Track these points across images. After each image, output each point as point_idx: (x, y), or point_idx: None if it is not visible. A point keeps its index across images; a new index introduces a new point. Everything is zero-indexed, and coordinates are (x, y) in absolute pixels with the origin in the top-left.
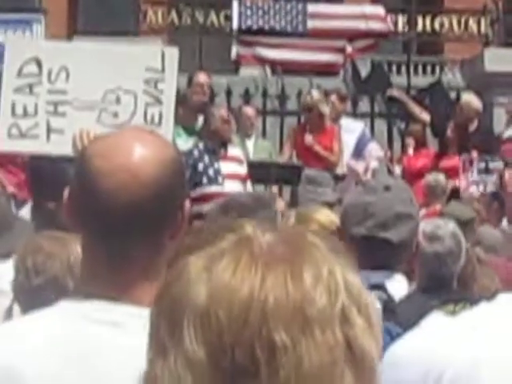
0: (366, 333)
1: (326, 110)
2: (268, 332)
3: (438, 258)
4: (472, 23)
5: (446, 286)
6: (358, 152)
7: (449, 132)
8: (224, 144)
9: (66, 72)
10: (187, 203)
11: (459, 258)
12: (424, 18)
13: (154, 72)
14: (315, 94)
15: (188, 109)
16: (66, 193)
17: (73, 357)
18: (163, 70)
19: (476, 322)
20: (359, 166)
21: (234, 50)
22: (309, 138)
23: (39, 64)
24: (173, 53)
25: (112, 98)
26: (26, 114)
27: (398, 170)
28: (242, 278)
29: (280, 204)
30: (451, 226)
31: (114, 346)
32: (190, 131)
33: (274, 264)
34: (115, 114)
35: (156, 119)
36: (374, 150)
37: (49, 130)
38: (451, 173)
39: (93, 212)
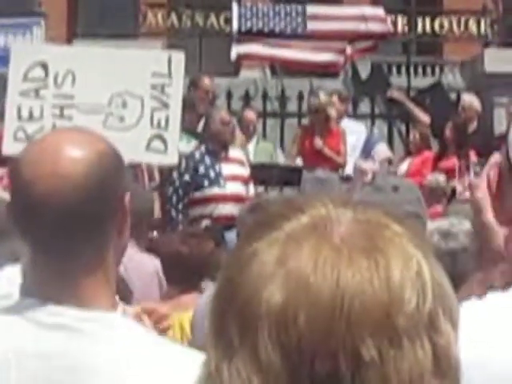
0: (452, 340)
1: (332, 112)
2: (353, 342)
3: (453, 256)
4: (472, 24)
5: (459, 284)
6: (367, 153)
7: (447, 132)
8: (225, 146)
9: (73, 76)
10: (127, 196)
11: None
12: (424, 18)
13: (161, 77)
14: (322, 96)
15: (192, 114)
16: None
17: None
18: (170, 74)
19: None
20: (367, 166)
21: (234, 50)
22: (319, 142)
23: (45, 68)
24: (179, 57)
25: (118, 102)
26: (31, 117)
27: (401, 170)
28: (324, 276)
29: None
30: (466, 224)
31: (66, 351)
32: (191, 134)
33: (358, 258)
34: (121, 118)
35: (163, 123)
36: (382, 151)
37: None
38: (450, 173)
39: (29, 219)
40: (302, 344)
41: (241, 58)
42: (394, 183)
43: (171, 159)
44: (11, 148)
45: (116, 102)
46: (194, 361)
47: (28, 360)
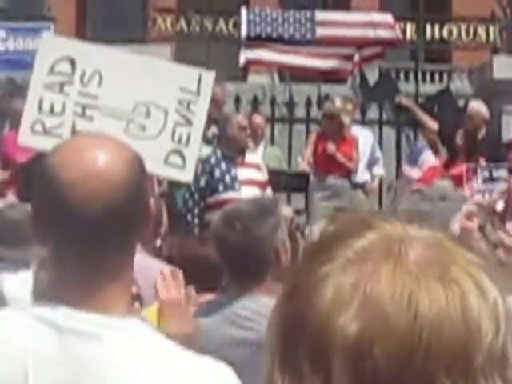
0: None
1: (347, 119)
2: (429, 376)
3: None
4: (480, 31)
5: None
6: (413, 160)
7: (458, 139)
8: (242, 151)
9: (100, 77)
10: (152, 202)
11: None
12: (432, 25)
13: (189, 93)
14: (338, 102)
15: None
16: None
17: (44, 366)
18: (198, 92)
19: None
20: (415, 174)
21: (243, 55)
22: (332, 148)
23: (73, 64)
24: (209, 77)
25: (142, 111)
26: (52, 111)
27: (415, 173)
28: (401, 305)
29: (287, 211)
30: (438, 234)
31: (95, 360)
32: (203, 141)
33: (435, 288)
34: (143, 127)
35: (184, 139)
36: (429, 158)
37: (74, 132)
38: (458, 181)
39: (64, 222)
40: (376, 376)
41: (249, 63)
42: (442, 192)
43: (188, 176)
44: (28, 139)
45: (140, 110)
46: (207, 369)
47: (46, 363)
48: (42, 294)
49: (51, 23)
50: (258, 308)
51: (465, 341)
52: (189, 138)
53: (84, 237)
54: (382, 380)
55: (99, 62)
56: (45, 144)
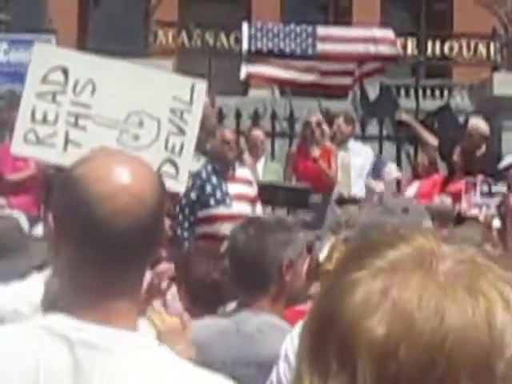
0: None
1: (327, 129)
2: (452, 382)
3: None
4: (481, 47)
5: None
6: (377, 173)
7: (455, 156)
8: (227, 165)
9: (93, 86)
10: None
11: None
12: (433, 42)
13: (182, 103)
14: (319, 115)
15: (201, 131)
16: (49, 217)
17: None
18: (191, 101)
19: None
20: (377, 187)
21: (244, 70)
22: (316, 152)
23: (66, 73)
24: (202, 86)
25: (135, 121)
26: (45, 120)
27: (409, 192)
28: (428, 312)
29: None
30: (471, 251)
31: (104, 373)
32: (200, 152)
33: (462, 299)
34: (136, 137)
35: (177, 149)
36: (392, 171)
37: (66, 141)
38: (456, 197)
39: (90, 235)
40: (400, 377)
41: (250, 77)
42: (404, 205)
43: (180, 186)
44: (20, 149)
45: (133, 119)
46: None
47: (57, 376)
48: (52, 305)
49: (53, 36)
50: (259, 324)
51: (488, 350)
52: (182, 147)
53: (107, 251)
54: (405, 382)
55: (92, 71)
56: (37, 153)
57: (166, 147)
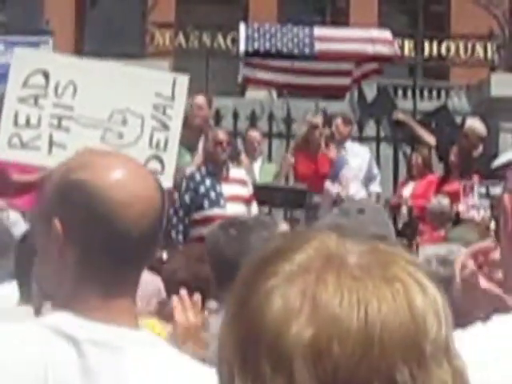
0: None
1: (327, 132)
2: (388, 368)
3: (451, 283)
4: (478, 48)
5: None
6: (334, 175)
7: (452, 157)
8: (221, 166)
9: (74, 87)
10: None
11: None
12: (431, 42)
13: (164, 98)
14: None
15: (190, 130)
16: (55, 222)
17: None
18: (173, 97)
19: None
20: (334, 188)
21: (241, 72)
22: (332, 153)
23: (46, 76)
24: (183, 80)
25: (118, 119)
26: (28, 124)
27: (405, 192)
28: (351, 307)
29: (283, 227)
30: (464, 251)
31: (112, 370)
32: (187, 150)
33: (381, 288)
34: (120, 135)
35: (161, 145)
36: (349, 173)
37: (51, 144)
38: (453, 197)
39: (109, 243)
40: (337, 373)
41: (247, 81)
42: (360, 206)
43: (167, 181)
44: (5, 154)
45: (116, 118)
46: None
47: (66, 377)
48: (59, 306)
49: (50, 37)
50: None
51: (414, 333)
52: (166, 142)
53: (120, 255)
54: (344, 376)
55: (73, 72)
56: (22, 157)
57: (150, 144)
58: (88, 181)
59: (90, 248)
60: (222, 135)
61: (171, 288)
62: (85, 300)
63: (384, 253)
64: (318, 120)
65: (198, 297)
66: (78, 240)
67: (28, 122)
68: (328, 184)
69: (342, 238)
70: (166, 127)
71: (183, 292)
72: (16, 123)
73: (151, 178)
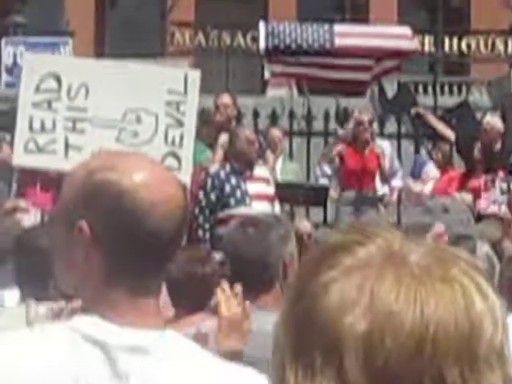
0: None
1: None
2: (439, 367)
3: None
4: (499, 44)
5: None
6: (416, 173)
7: (476, 152)
8: (250, 165)
9: (86, 89)
10: None
11: (492, 280)
12: (451, 38)
13: (177, 94)
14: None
15: (211, 128)
16: (82, 225)
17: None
18: (186, 92)
19: None
20: (417, 188)
21: (267, 69)
22: (378, 149)
23: (58, 79)
24: (195, 76)
25: (132, 118)
26: (43, 129)
27: (426, 189)
28: (408, 304)
29: (306, 225)
30: (485, 248)
31: (142, 373)
32: (208, 146)
33: (439, 288)
34: (135, 134)
35: (177, 141)
36: (431, 170)
37: (67, 147)
38: (478, 193)
39: (139, 245)
40: (388, 367)
41: (274, 76)
42: (445, 204)
43: (185, 177)
44: (21, 159)
45: (130, 117)
46: (248, 378)
47: (95, 381)
48: (83, 308)
49: (70, 38)
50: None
51: (469, 335)
52: (182, 138)
53: (150, 257)
54: (393, 370)
55: (84, 74)
56: (39, 162)
57: (165, 141)
58: (115, 181)
59: (117, 250)
60: (252, 134)
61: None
62: (112, 303)
63: (446, 254)
64: (364, 117)
65: (239, 288)
66: (105, 242)
67: (43, 126)
68: (410, 182)
69: (407, 237)
70: (180, 123)
71: (225, 285)
72: (31, 128)
73: (175, 177)
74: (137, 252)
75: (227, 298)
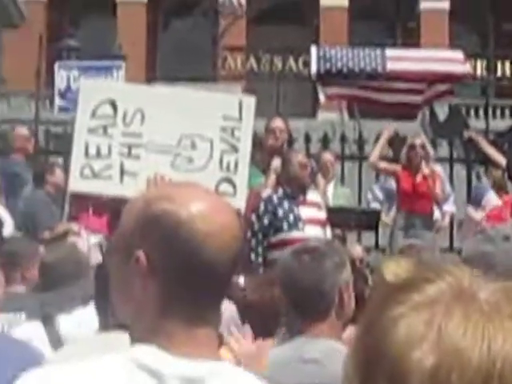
0: None
1: (430, 150)
2: None
3: None
4: None
5: None
6: (477, 201)
7: None
8: (303, 189)
9: (142, 115)
10: None
11: None
12: (503, 62)
13: (232, 120)
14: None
15: (264, 152)
16: (140, 255)
17: None
18: (240, 118)
19: None
20: (478, 216)
21: (321, 92)
22: (426, 171)
23: (114, 106)
24: (250, 102)
25: (187, 144)
26: (99, 154)
27: (478, 215)
28: (475, 340)
29: (358, 249)
30: (501, 282)
31: None
32: (261, 171)
33: (507, 324)
34: (190, 160)
35: (232, 167)
36: (493, 199)
37: (122, 172)
38: None
39: (195, 276)
40: None
41: (327, 99)
42: (505, 233)
43: (240, 203)
44: (77, 185)
45: (185, 143)
46: None
47: None
48: (138, 338)
49: (122, 61)
50: (323, 351)
51: None
52: (236, 164)
53: (205, 288)
54: None
55: (139, 100)
56: (94, 187)
57: (220, 167)
58: (172, 212)
59: (174, 281)
60: (305, 158)
61: (242, 312)
62: (168, 334)
63: None
64: (416, 141)
65: (247, 328)
66: (162, 273)
67: (99, 152)
68: (470, 210)
69: (476, 275)
70: (235, 149)
71: (233, 329)
72: (87, 154)
73: (230, 207)
74: (193, 282)
75: (237, 338)
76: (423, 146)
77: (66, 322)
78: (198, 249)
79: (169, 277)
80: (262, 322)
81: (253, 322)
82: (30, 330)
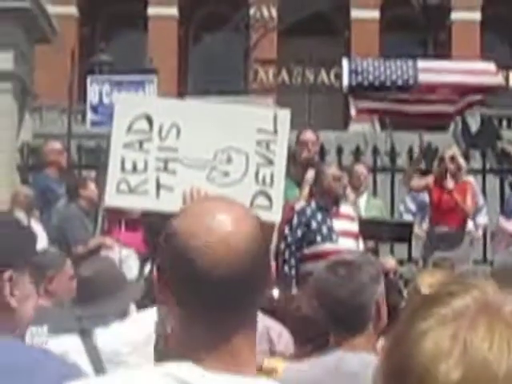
0: None
1: (463, 162)
2: None
3: None
4: None
5: None
6: (509, 213)
7: None
8: (336, 201)
9: (177, 129)
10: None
11: None
12: None
13: (266, 133)
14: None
15: (297, 165)
16: (155, 271)
17: None
18: (275, 131)
19: None
20: (510, 226)
21: (352, 105)
22: (450, 184)
23: (150, 120)
24: (285, 115)
25: (223, 158)
26: (135, 169)
27: (510, 227)
28: (501, 352)
29: (391, 262)
30: None
31: None
32: (296, 184)
33: None
34: (226, 173)
35: (267, 180)
36: None
37: (158, 187)
38: None
39: (192, 285)
40: None
41: (359, 112)
42: None
43: (276, 216)
44: (114, 200)
45: (221, 157)
46: None
47: None
48: (166, 353)
49: (154, 76)
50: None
51: None
52: (272, 177)
53: (212, 298)
54: None
55: (175, 114)
56: (131, 202)
57: (256, 180)
58: (175, 228)
59: (189, 299)
60: (338, 171)
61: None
62: (205, 348)
63: None
64: (447, 153)
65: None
66: (171, 286)
67: (135, 167)
68: (502, 221)
69: (503, 288)
70: (270, 162)
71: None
72: (123, 169)
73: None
74: (205, 301)
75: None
76: (453, 158)
77: (103, 336)
78: (192, 263)
79: (176, 292)
80: (315, 334)
81: (308, 337)
82: (67, 344)
